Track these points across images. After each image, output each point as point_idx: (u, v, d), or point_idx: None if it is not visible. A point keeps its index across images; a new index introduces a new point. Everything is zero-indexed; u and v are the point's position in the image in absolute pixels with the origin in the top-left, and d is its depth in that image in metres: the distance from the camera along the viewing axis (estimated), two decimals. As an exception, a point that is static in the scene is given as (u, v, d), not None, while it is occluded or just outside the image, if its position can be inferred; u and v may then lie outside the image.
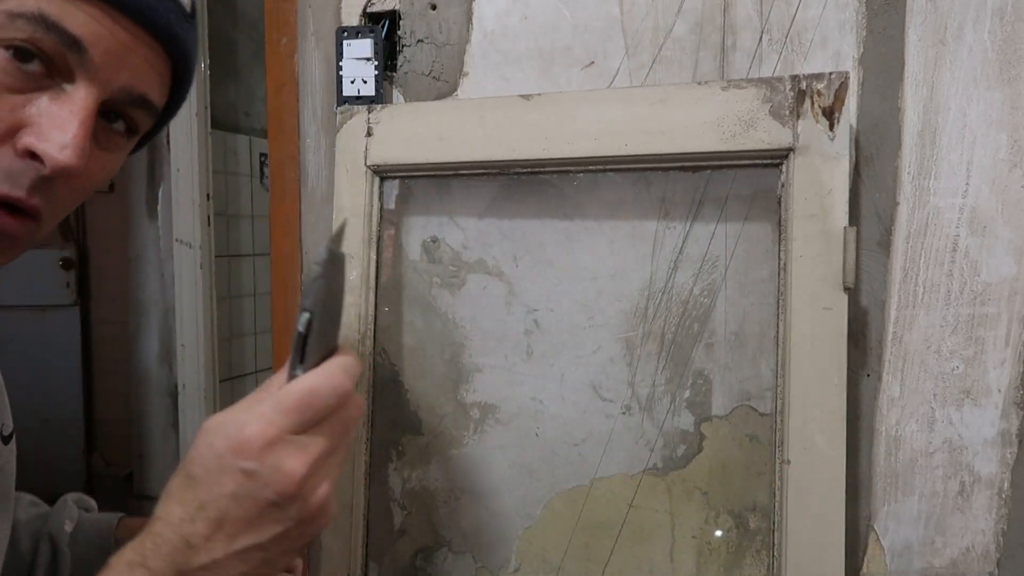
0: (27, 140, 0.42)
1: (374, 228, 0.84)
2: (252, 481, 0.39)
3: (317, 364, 0.41)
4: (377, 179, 0.84)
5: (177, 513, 0.39)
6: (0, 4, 0.40)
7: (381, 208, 0.85)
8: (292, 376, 0.40)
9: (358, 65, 0.89)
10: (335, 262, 0.42)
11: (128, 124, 0.48)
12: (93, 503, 0.72)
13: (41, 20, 0.40)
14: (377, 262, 0.85)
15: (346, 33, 0.89)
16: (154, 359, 2.07)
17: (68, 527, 0.63)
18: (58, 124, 0.41)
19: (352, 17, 0.91)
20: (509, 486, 0.85)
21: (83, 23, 0.42)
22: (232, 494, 0.39)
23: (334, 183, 0.85)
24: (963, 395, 0.72)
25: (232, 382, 2.19)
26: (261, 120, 2.41)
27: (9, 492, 0.59)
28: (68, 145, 0.41)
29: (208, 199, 2.01)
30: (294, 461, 0.39)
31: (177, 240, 1.98)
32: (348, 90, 0.90)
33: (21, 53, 0.41)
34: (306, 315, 0.40)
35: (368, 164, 0.83)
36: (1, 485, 0.58)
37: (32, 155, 0.42)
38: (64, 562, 0.61)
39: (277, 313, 0.99)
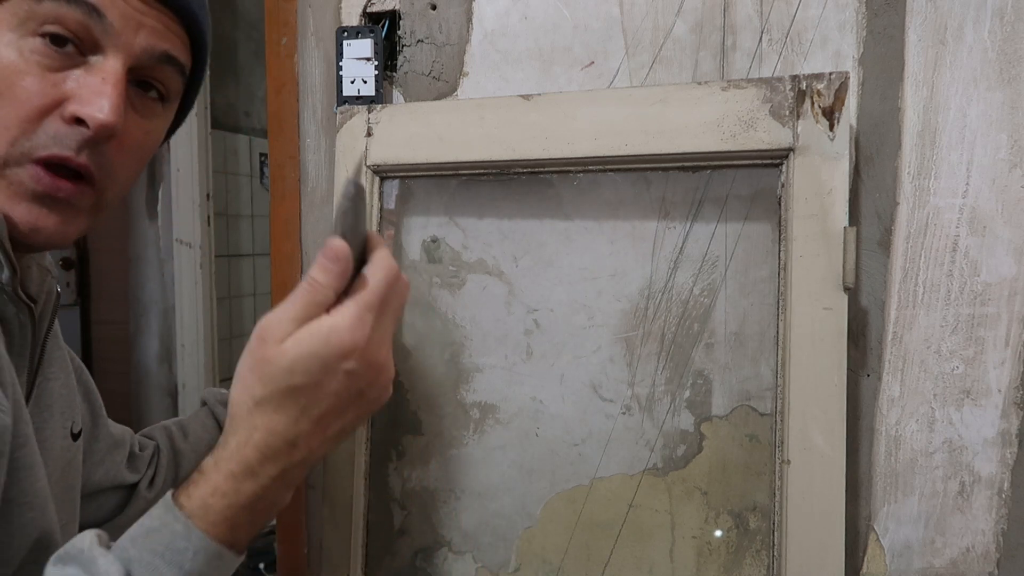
0: (71, 108, 0.47)
1: (374, 228, 0.84)
2: (351, 378, 0.45)
3: (359, 265, 0.47)
4: (377, 179, 0.84)
5: (281, 421, 0.43)
6: None
7: (381, 208, 0.85)
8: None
9: (358, 65, 0.89)
10: (359, 194, 0.48)
11: (159, 91, 0.54)
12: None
13: (87, 9, 0.47)
14: (377, 262, 0.85)
15: (346, 33, 0.89)
16: (154, 359, 2.07)
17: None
18: (95, 89, 0.47)
19: (352, 17, 0.91)
20: (509, 486, 0.85)
21: None
22: (334, 392, 0.44)
23: (334, 183, 0.85)
24: (963, 395, 0.72)
25: (232, 382, 2.19)
26: (261, 120, 2.41)
27: (76, 486, 0.61)
28: (105, 106, 0.47)
29: (208, 199, 2.01)
30: (381, 351, 0.46)
31: (177, 240, 1.98)
32: (348, 90, 0.90)
33: (55, 39, 0.47)
34: (339, 238, 0.46)
35: (368, 164, 0.83)
36: (70, 479, 0.60)
37: (77, 121, 0.48)
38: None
39: (277, 313, 0.98)
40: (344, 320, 0.44)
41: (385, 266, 0.48)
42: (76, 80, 0.48)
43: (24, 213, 0.48)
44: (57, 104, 0.48)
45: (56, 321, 0.59)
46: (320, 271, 0.46)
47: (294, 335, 0.44)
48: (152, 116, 0.54)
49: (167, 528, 0.42)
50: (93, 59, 0.49)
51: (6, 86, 0.46)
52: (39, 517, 0.49)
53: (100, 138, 0.49)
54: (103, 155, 0.50)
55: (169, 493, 0.45)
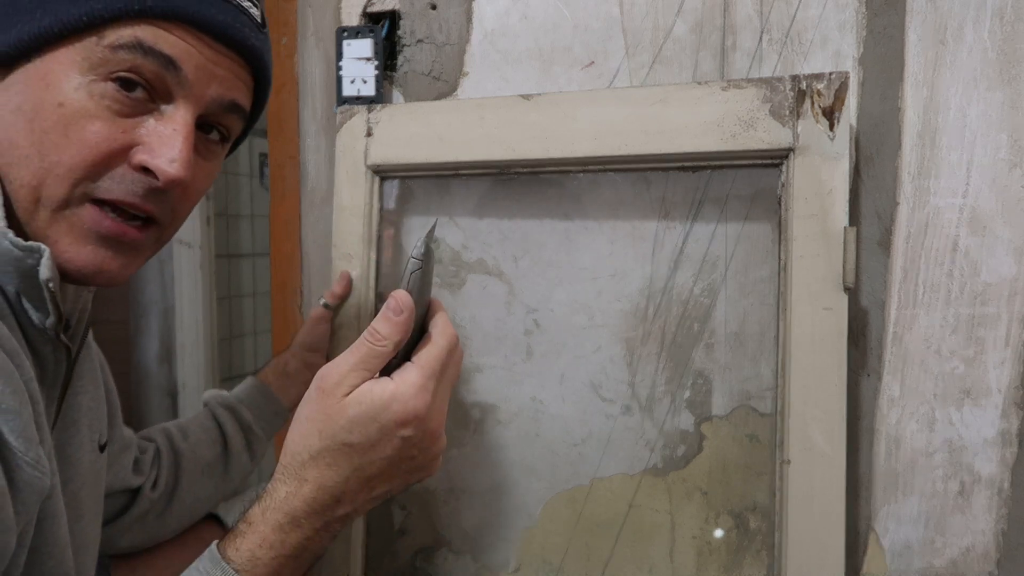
0: (140, 157, 0.47)
1: (374, 228, 0.84)
2: (406, 444, 0.46)
3: (420, 327, 0.48)
4: (377, 179, 0.84)
5: (332, 477, 0.45)
6: (101, 40, 0.46)
7: (381, 208, 0.85)
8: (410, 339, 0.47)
9: (358, 65, 0.89)
10: (429, 256, 0.49)
11: (221, 132, 0.54)
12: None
13: (139, 46, 0.46)
14: (377, 262, 0.84)
15: (346, 33, 0.89)
16: (154, 359, 2.07)
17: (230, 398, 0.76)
18: (166, 142, 0.47)
19: (352, 17, 0.91)
20: (509, 486, 0.85)
21: (174, 44, 0.48)
22: (387, 457, 0.45)
23: (334, 183, 0.85)
24: (963, 395, 0.72)
25: (232, 382, 2.19)
26: (261, 120, 2.40)
27: (101, 497, 0.62)
28: (176, 159, 0.47)
29: (208, 199, 2.01)
30: (437, 419, 0.47)
31: (177, 240, 1.98)
32: (348, 90, 0.90)
33: (126, 83, 0.47)
34: (404, 292, 0.47)
35: (368, 164, 0.83)
36: (96, 491, 0.60)
37: (145, 169, 0.48)
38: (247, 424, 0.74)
39: (277, 313, 0.99)
40: (408, 388, 0.46)
41: (448, 333, 0.50)
42: (146, 128, 0.48)
43: (90, 255, 0.48)
44: (125, 150, 0.48)
45: (90, 333, 0.59)
46: (383, 323, 0.47)
47: (356, 392, 0.45)
48: (213, 158, 0.55)
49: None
50: (164, 107, 0.49)
51: (75, 129, 0.46)
52: (57, 565, 0.50)
53: (169, 190, 0.49)
54: (168, 201, 0.51)
55: (215, 545, 0.45)
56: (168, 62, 0.48)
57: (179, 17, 0.48)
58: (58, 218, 0.47)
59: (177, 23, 0.48)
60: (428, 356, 0.48)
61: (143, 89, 0.48)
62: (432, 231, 0.50)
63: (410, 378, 0.46)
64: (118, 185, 0.48)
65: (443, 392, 0.49)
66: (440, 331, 0.50)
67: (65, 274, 0.48)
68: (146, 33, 0.47)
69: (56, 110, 0.45)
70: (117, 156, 0.47)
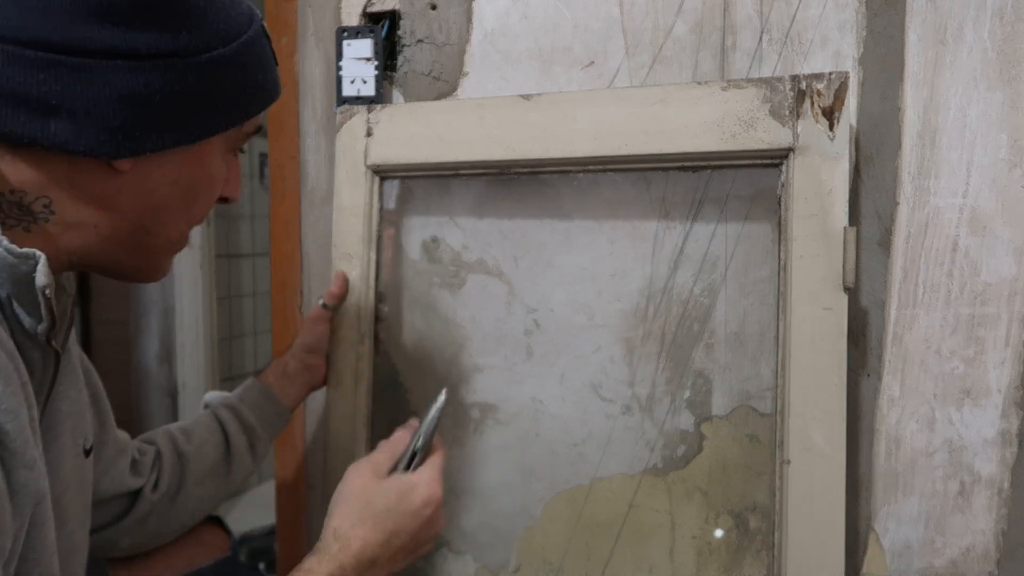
0: (225, 193, 0.60)
1: (374, 228, 0.84)
2: (427, 523, 0.61)
3: (427, 453, 0.64)
4: (377, 179, 0.84)
5: (375, 538, 0.57)
6: (240, 129, 0.56)
7: (381, 208, 0.85)
8: (416, 456, 0.63)
9: (358, 65, 0.89)
10: (449, 402, 0.65)
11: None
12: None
13: (257, 132, 0.60)
14: (377, 262, 0.85)
15: (346, 33, 0.89)
16: (154, 359, 2.07)
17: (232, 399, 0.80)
18: (234, 176, 0.60)
19: (352, 17, 0.91)
20: (509, 486, 0.85)
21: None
22: (414, 531, 0.59)
23: (334, 183, 0.85)
24: (963, 395, 0.72)
25: (232, 382, 2.19)
26: (261, 120, 2.39)
27: (88, 503, 0.62)
28: (238, 188, 0.61)
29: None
30: (436, 502, 0.62)
31: (177, 240, 1.98)
32: (348, 90, 0.90)
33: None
34: (420, 440, 0.63)
35: (368, 164, 0.83)
36: (81, 495, 0.61)
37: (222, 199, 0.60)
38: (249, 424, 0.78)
39: (277, 313, 0.99)
40: (427, 479, 0.62)
41: (444, 448, 0.66)
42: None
43: (167, 266, 0.59)
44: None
45: (72, 334, 0.60)
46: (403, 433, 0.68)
47: (391, 479, 0.61)
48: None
49: None
50: None
51: (216, 191, 0.58)
52: (44, 573, 0.51)
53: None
54: None
55: None
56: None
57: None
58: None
59: None
60: (438, 461, 0.64)
61: None
62: (448, 397, 0.66)
63: (428, 473, 0.63)
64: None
65: (441, 487, 0.64)
66: (440, 451, 0.66)
67: (154, 277, 0.58)
68: (262, 117, 0.59)
69: (207, 181, 0.56)
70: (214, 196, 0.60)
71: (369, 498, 0.59)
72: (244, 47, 0.54)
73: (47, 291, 0.47)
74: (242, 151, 0.61)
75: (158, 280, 0.59)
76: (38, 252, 0.46)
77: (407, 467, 0.61)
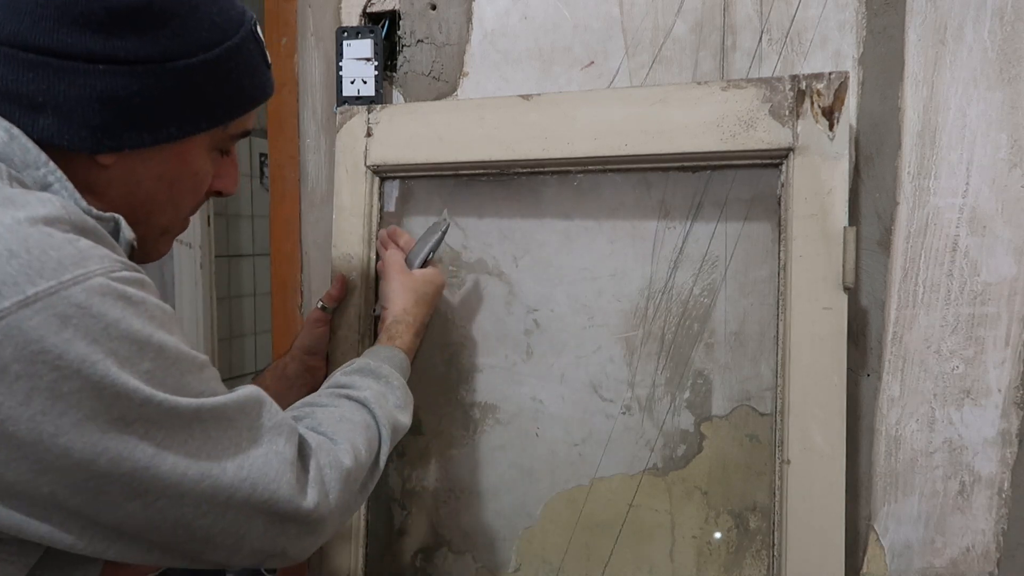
0: (217, 186, 0.62)
1: (374, 228, 0.84)
2: (437, 292, 0.79)
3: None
4: (377, 179, 0.84)
5: (423, 313, 0.77)
6: (226, 129, 0.59)
7: (381, 208, 0.85)
8: (426, 260, 0.79)
9: (358, 65, 0.89)
10: (444, 233, 0.80)
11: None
12: None
13: (245, 135, 0.62)
14: (377, 262, 0.84)
15: (346, 33, 0.89)
16: (154, 359, 2.06)
17: None
18: (229, 172, 0.63)
19: (352, 17, 0.91)
20: (509, 486, 0.85)
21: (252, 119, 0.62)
22: (436, 303, 0.79)
23: (334, 183, 0.85)
24: (963, 395, 0.72)
25: (232, 382, 2.19)
26: (261, 120, 2.40)
27: None
28: (233, 184, 0.63)
29: (208, 199, 2.00)
30: (444, 286, 0.81)
31: (177, 240, 1.98)
32: (348, 90, 0.90)
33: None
34: (430, 251, 0.79)
35: (368, 164, 0.83)
36: None
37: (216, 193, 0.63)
38: None
39: (277, 313, 0.99)
40: (437, 271, 0.79)
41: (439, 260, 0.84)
42: (217, 162, 0.62)
43: (166, 247, 0.63)
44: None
45: None
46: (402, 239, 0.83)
47: (419, 272, 0.78)
48: None
49: (399, 359, 0.72)
50: None
51: (204, 187, 0.60)
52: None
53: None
54: None
55: (391, 344, 0.74)
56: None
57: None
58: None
59: None
60: (436, 266, 0.81)
61: None
62: (446, 231, 0.80)
63: (436, 269, 0.79)
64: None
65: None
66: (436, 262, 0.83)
67: (152, 258, 0.61)
68: (250, 121, 0.61)
69: (192, 177, 0.59)
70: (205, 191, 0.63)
71: (414, 286, 0.77)
72: (228, 52, 0.56)
73: (135, 242, 0.54)
74: (226, 152, 0.62)
75: (156, 259, 0.62)
76: (116, 215, 0.53)
77: (422, 265, 0.79)
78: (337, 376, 0.68)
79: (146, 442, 0.44)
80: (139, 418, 0.44)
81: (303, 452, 0.54)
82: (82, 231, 0.46)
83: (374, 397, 0.65)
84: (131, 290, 0.46)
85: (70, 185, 0.51)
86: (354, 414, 0.62)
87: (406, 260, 0.79)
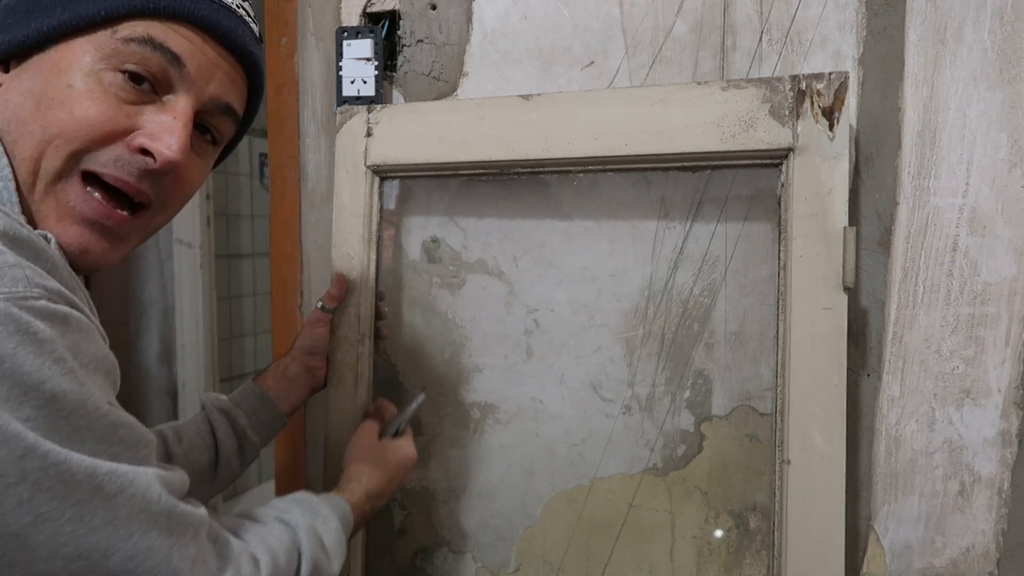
0: (140, 140, 0.51)
1: (374, 228, 0.84)
2: (407, 471, 0.77)
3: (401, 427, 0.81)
4: (377, 179, 0.84)
5: (379, 476, 0.73)
6: (115, 34, 0.50)
7: (381, 208, 0.85)
8: (398, 429, 0.79)
9: (358, 65, 0.89)
10: (427, 401, 0.83)
11: (213, 134, 0.58)
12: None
13: (149, 41, 0.51)
14: (377, 262, 0.84)
15: (346, 33, 0.89)
16: (154, 359, 2.07)
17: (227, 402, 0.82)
18: (166, 128, 0.51)
19: (352, 17, 0.91)
20: (509, 486, 0.85)
21: (180, 43, 0.52)
22: (400, 477, 0.76)
23: (334, 183, 0.85)
24: (963, 395, 0.72)
25: (232, 382, 2.19)
26: (261, 120, 2.40)
27: None
28: (173, 144, 0.51)
29: (208, 199, 2.01)
30: (415, 460, 0.78)
31: (177, 240, 1.98)
32: (348, 90, 0.90)
33: (133, 76, 0.51)
34: (404, 422, 0.80)
35: (368, 164, 0.83)
36: None
37: (143, 152, 0.51)
38: (241, 427, 0.80)
39: (277, 313, 0.99)
40: (409, 442, 0.78)
41: (410, 430, 0.80)
42: (148, 115, 0.52)
43: (75, 235, 0.50)
44: (126, 133, 0.51)
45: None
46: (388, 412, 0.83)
47: (387, 440, 0.77)
48: (205, 156, 0.59)
49: (341, 506, 0.67)
50: (166, 98, 0.53)
51: (80, 108, 0.49)
52: None
53: (164, 172, 0.52)
54: (161, 186, 0.53)
55: (335, 493, 0.69)
56: (174, 58, 0.52)
57: (188, 18, 0.52)
58: (50, 193, 0.50)
59: (185, 23, 0.52)
60: (410, 435, 0.80)
61: (148, 83, 0.52)
62: (423, 401, 0.81)
63: (408, 440, 0.79)
64: (114, 164, 0.50)
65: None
66: (408, 432, 0.80)
67: (67, 243, 0.50)
68: (156, 30, 0.51)
69: (64, 90, 0.49)
70: (117, 136, 0.50)
71: (377, 453, 0.76)
72: None
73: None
74: (137, 78, 0.51)
75: (63, 244, 0.50)
76: (49, 233, 0.47)
77: (394, 435, 0.79)
78: (275, 501, 0.63)
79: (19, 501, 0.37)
80: (14, 471, 0.37)
81: (222, 555, 0.49)
82: (11, 241, 0.41)
83: (306, 527, 0.59)
84: (38, 324, 0.39)
85: (12, 186, 0.47)
86: (281, 535, 0.57)
87: (383, 430, 0.78)
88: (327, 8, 0.92)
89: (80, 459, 0.39)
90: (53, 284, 0.42)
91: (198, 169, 0.57)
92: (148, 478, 0.43)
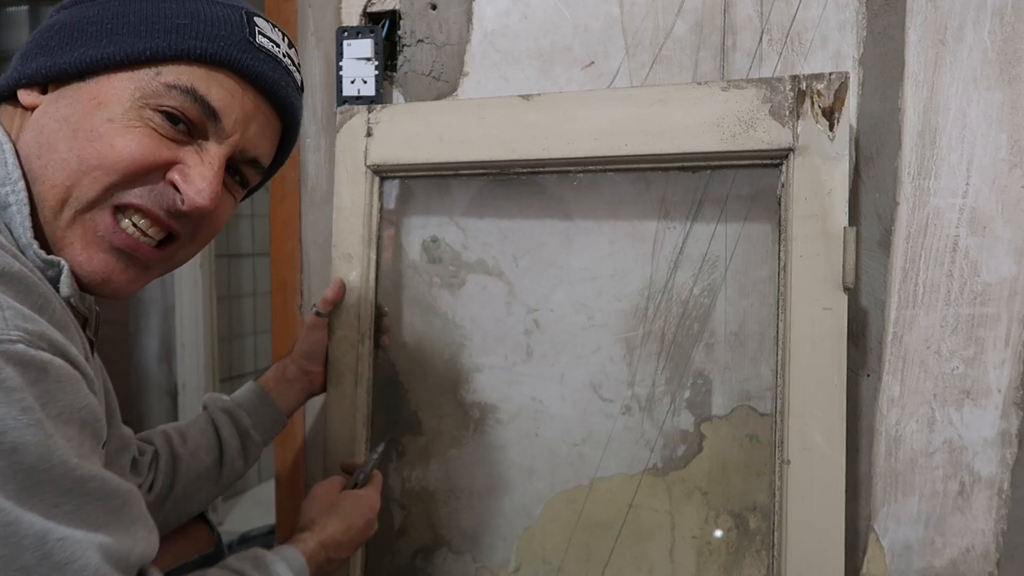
0: (174, 176, 0.52)
1: (374, 228, 0.84)
2: (369, 522, 0.74)
3: (368, 479, 0.80)
4: (377, 179, 0.84)
5: (338, 527, 0.71)
6: (158, 76, 0.51)
7: (381, 208, 0.85)
8: (360, 479, 0.78)
9: (358, 65, 0.89)
10: (388, 451, 0.87)
11: (241, 178, 0.59)
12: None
13: (191, 92, 0.51)
14: (377, 262, 0.85)
15: (346, 33, 0.89)
16: (154, 359, 2.06)
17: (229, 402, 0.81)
18: (200, 171, 0.52)
19: (352, 17, 0.91)
20: (509, 486, 0.85)
21: (220, 95, 0.53)
22: (361, 527, 0.73)
23: (334, 183, 0.85)
24: (963, 395, 0.72)
25: (232, 382, 2.19)
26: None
27: None
28: (205, 191, 0.52)
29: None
30: (377, 509, 0.76)
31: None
32: (348, 90, 0.90)
33: (171, 117, 0.51)
34: (364, 473, 0.78)
35: (368, 164, 0.83)
36: None
37: (174, 186, 0.52)
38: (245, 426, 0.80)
39: (277, 313, 0.99)
40: (371, 492, 0.76)
41: (379, 476, 0.80)
42: (184, 155, 0.52)
43: (101, 263, 0.51)
44: (166, 166, 0.52)
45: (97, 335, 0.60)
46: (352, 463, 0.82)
47: (347, 492, 0.75)
48: (233, 196, 0.59)
49: (295, 559, 0.64)
50: (201, 142, 0.54)
51: (123, 142, 0.49)
52: None
53: (193, 216, 0.53)
54: (188, 224, 0.54)
55: (293, 545, 0.67)
56: (212, 113, 0.52)
57: (232, 67, 0.53)
58: (78, 220, 0.50)
59: (229, 71, 0.53)
60: (377, 482, 0.78)
61: (184, 125, 0.52)
62: (390, 445, 0.87)
63: (371, 490, 0.76)
64: (148, 194, 0.51)
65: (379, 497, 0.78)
66: (378, 477, 0.79)
67: (75, 279, 0.50)
68: (200, 80, 0.52)
69: (105, 124, 0.50)
70: (157, 170, 0.51)
71: (333, 502, 0.73)
72: None
73: (72, 300, 0.48)
74: (174, 119, 0.51)
75: (87, 272, 0.50)
76: (61, 260, 0.48)
77: (354, 486, 0.77)
78: (229, 560, 0.61)
79: None
80: None
81: None
82: None
83: None
84: (8, 371, 0.38)
85: (26, 210, 0.47)
86: None
87: (347, 482, 0.76)
88: (327, 8, 0.92)
89: (32, 521, 0.37)
90: (37, 326, 0.41)
91: (226, 208, 0.58)
92: (95, 551, 0.40)
